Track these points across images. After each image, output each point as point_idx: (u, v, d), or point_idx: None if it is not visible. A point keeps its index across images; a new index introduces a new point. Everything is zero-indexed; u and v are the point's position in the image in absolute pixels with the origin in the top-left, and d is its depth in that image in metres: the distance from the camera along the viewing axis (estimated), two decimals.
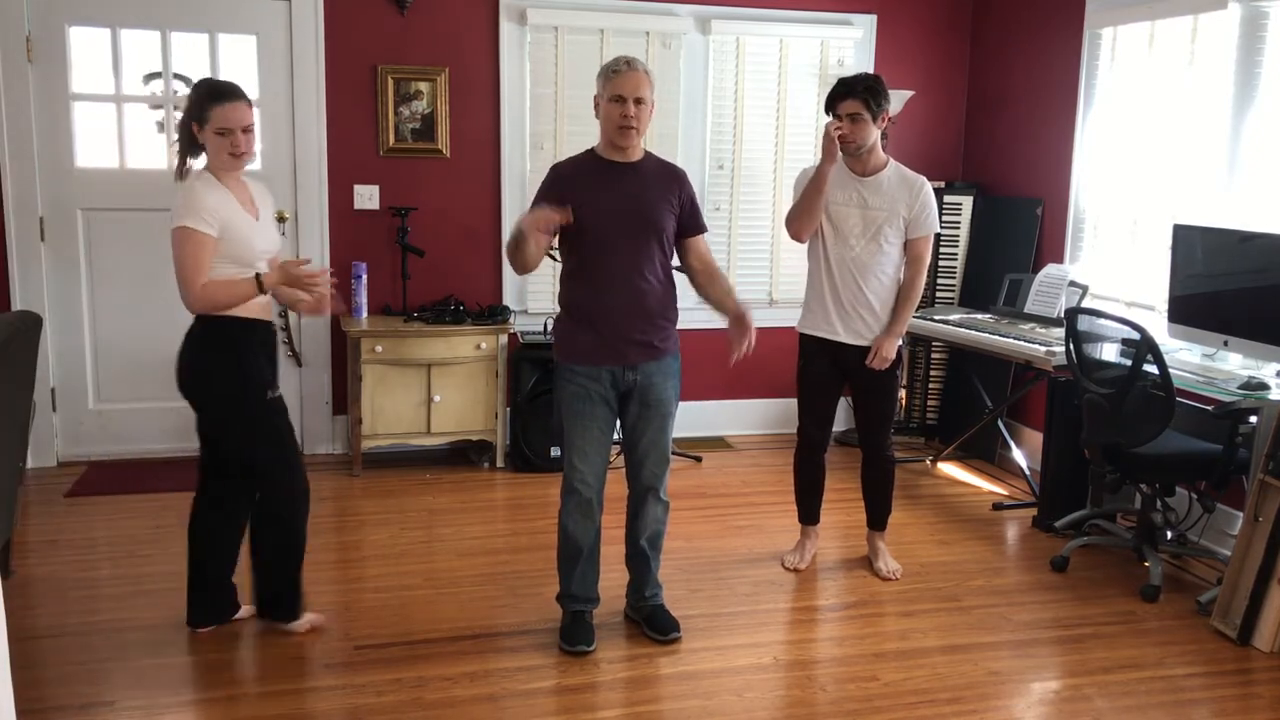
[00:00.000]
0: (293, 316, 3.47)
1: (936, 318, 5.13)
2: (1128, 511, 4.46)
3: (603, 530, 3.39)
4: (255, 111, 3.27)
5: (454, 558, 4.11)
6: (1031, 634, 3.55)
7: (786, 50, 5.61)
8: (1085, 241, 5.10)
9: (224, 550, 3.40)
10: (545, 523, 4.23)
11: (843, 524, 4.49)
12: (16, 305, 4.86)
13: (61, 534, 4.25)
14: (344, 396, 5.30)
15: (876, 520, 4.07)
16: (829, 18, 5.64)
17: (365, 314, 5.18)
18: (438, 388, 5.08)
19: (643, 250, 3.22)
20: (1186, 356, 4.17)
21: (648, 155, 3.31)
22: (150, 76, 5.03)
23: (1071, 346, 4.03)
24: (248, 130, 3.13)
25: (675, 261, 3.37)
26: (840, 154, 3.74)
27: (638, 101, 3.14)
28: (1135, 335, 3.70)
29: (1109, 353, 3.99)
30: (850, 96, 3.63)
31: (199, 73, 5.04)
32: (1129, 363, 3.75)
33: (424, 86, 5.22)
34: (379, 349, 4.97)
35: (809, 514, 4.10)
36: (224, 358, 3.18)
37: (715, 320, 5.63)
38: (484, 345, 5.10)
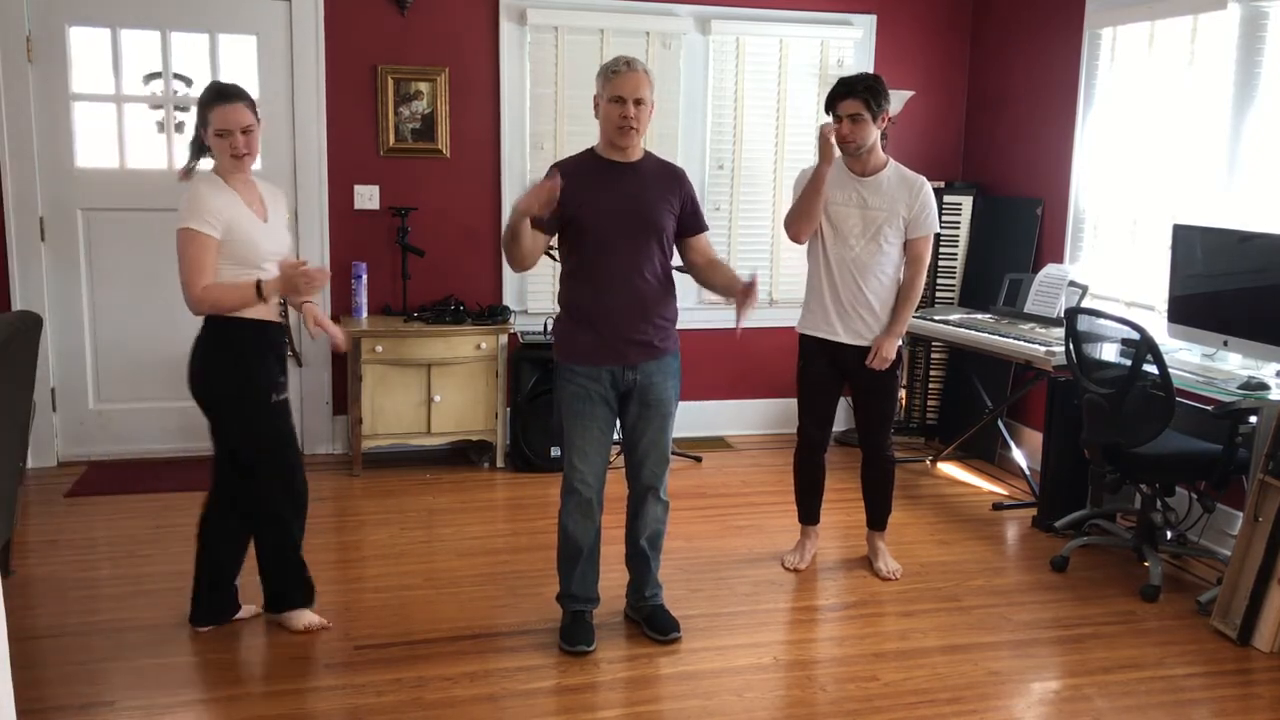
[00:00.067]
0: (293, 315, 3.47)
1: (936, 318, 5.13)
2: (1128, 511, 4.46)
3: (603, 530, 3.39)
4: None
5: (454, 558, 4.11)
6: (1031, 634, 3.55)
7: (786, 50, 5.61)
8: (1085, 241, 5.10)
9: (234, 553, 3.42)
10: (545, 523, 4.23)
11: (843, 524, 4.49)
12: (16, 305, 4.86)
13: (61, 534, 4.25)
14: (344, 396, 5.30)
15: (876, 520, 4.07)
16: (829, 18, 5.64)
17: (365, 314, 5.18)
18: (438, 388, 5.08)
19: (642, 250, 3.22)
20: (1186, 356, 4.17)
21: (647, 155, 3.31)
22: (150, 76, 5.03)
23: (1071, 346, 4.03)
24: (247, 131, 3.14)
25: (676, 261, 3.37)
26: (840, 154, 3.75)
27: (637, 102, 3.14)
28: (1135, 335, 3.70)
29: (1109, 353, 3.99)
30: (850, 96, 3.63)
31: (199, 73, 5.05)
32: (1129, 363, 3.75)
33: (424, 86, 5.22)
34: (379, 349, 4.97)
35: (809, 514, 4.11)
36: (229, 358, 3.19)
37: (715, 320, 5.72)
38: (484, 345, 5.10)
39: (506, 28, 5.27)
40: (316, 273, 3.17)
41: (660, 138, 5.36)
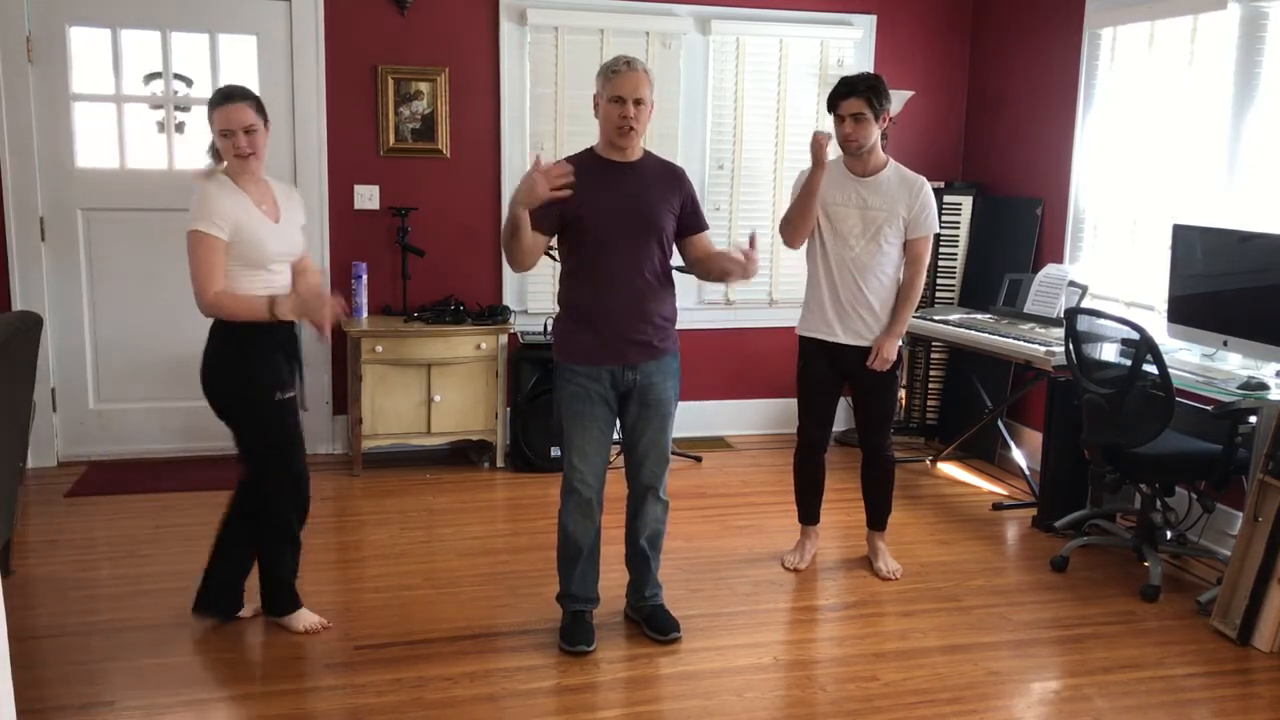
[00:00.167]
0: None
1: (936, 318, 5.13)
2: (1127, 511, 4.46)
3: (603, 530, 3.39)
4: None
5: (454, 558, 4.11)
6: (1031, 634, 3.55)
7: (786, 50, 5.61)
8: (1085, 241, 5.10)
9: (250, 556, 3.44)
10: (545, 523, 4.23)
11: (843, 524, 4.49)
12: (16, 305, 4.87)
13: (61, 534, 4.25)
14: (344, 396, 5.30)
15: (876, 520, 4.07)
16: (829, 18, 5.64)
17: (365, 314, 5.18)
18: (438, 388, 5.08)
19: (642, 250, 3.22)
20: (1186, 356, 4.17)
21: (647, 154, 3.31)
22: (150, 76, 5.03)
23: (1071, 346, 4.03)
24: (250, 131, 3.16)
25: (676, 261, 3.37)
26: (840, 155, 3.76)
27: (637, 102, 3.14)
28: (1135, 335, 3.70)
29: (1109, 353, 3.99)
30: (853, 95, 3.63)
31: (199, 73, 5.05)
32: (1129, 363, 3.75)
33: (424, 86, 5.22)
34: (379, 349, 4.97)
35: (809, 514, 4.11)
36: (235, 357, 3.21)
37: (715, 320, 5.72)
38: (484, 345, 5.10)
39: (506, 28, 5.27)
40: (336, 308, 3.19)
41: (660, 138, 5.36)
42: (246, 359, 3.20)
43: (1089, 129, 5.03)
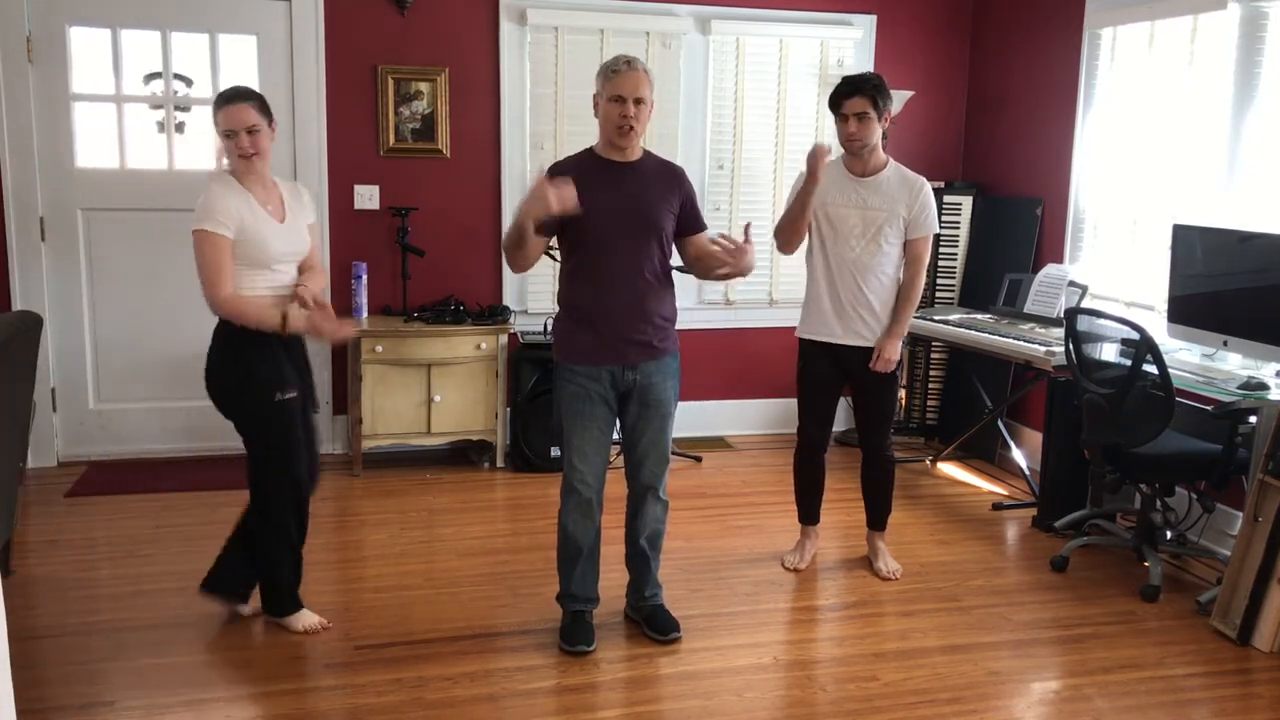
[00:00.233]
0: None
1: (936, 318, 5.13)
2: (1127, 511, 4.46)
3: (603, 530, 3.39)
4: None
5: (454, 558, 4.11)
6: (1031, 634, 3.55)
7: (786, 50, 5.61)
8: (1085, 241, 5.10)
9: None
10: (545, 523, 4.23)
11: (843, 524, 4.49)
12: (16, 305, 4.87)
13: (61, 534, 4.25)
14: (344, 396, 5.30)
15: (876, 520, 4.07)
16: (829, 18, 5.64)
17: (365, 314, 5.18)
18: (438, 388, 5.08)
19: (642, 250, 3.22)
20: (1186, 356, 4.17)
21: (647, 154, 3.31)
22: (150, 76, 5.03)
23: (1071, 346, 4.03)
24: (253, 131, 3.18)
25: (675, 261, 3.37)
26: (842, 155, 3.77)
27: (637, 101, 3.13)
28: (1135, 335, 3.70)
29: (1109, 353, 3.99)
30: (858, 94, 3.63)
31: (199, 73, 5.05)
32: (1129, 363, 3.75)
33: (424, 86, 5.22)
34: (379, 349, 4.97)
35: (809, 514, 4.11)
36: (236, 356, 3.22)
37: (715, 320, 5.72)
38: (484, 345, 5.10)
39: (506, 28, 5.27)
40: (347, 330, 3.23)
41: (660, 138, 5.36)
42: (248, 358, 3.21)
43: (1089, 129, 5.03)
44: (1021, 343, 4.58)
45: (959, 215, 5.73)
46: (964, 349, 5.12)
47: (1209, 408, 3.81)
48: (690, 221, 3.34)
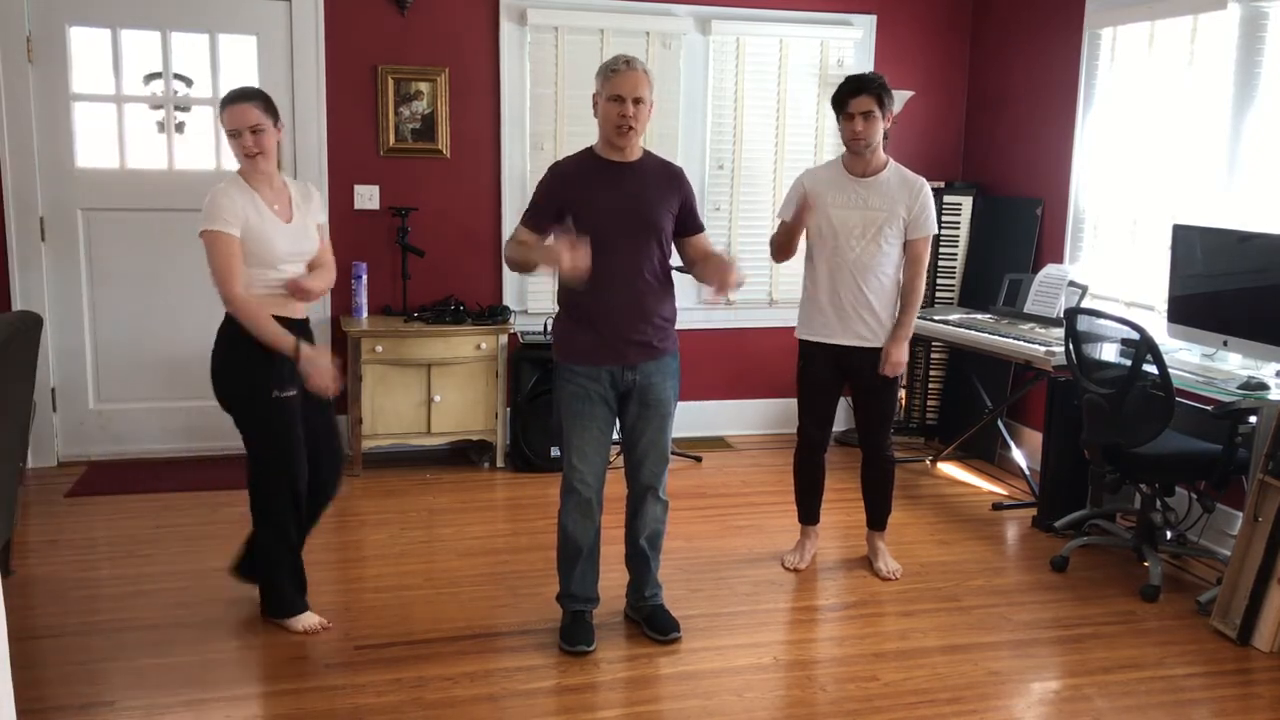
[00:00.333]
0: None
1: (936, 318, 5.13)
2: (1127, 511, 4.46)
3: (603, 530, 3.39)
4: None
5: (454, 558, 4.11)
6: (1031, 634, 3.55)
7: (786, 50, 5.61)
8: (1085, 241, 5.10)
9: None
10: (545, 523, 4.22)
11: (843, 524, 4.49)
12: (16, 305, 4.86)
13: (61, 534, 4.25)
14: (344, 396, 5.28)
15: (876, 520, 4.07)
16: (829, 18, 5.64)
17: (365, 314, 5.18)
18: (438, 388, 5.08)
19: (642, 250, 3.22)
20: (1186, 356, 4.17)
21: (646, 154, 3.31)
22: (150, 76, 5.03)
23: (1071, 346, 4.03)
24: (256, 130, 3.19)
25: (675, 261, 3.37)
26: (842, 155, 3.79)
27: (636, 101, 3.13)
28: (1135, 335, 3.70)
29: (1109, 353, 3.99)
30: (864, 93, 3.65)
31: (199, 73, 5.05)
32: (1129, 363, 3.75)
33: (424, 86, 5.22)
34: (379, 349, 4.97)
35: (809, 514, 4.11)
36: (237, 355, 3.23)
37: (715, 320, 5.72)
38: (484, 345, 5.10)
39: (506, 28, 5.27)
40: (331, 387, 3.23)
41: (660, 138, 5.36)
42: (249, 357, 3.22)
43: (1089, 129, 5.03)
44: (1021, 343, 4.58)
45: (959, 215, 5.73)
46: (964, 349, 5.12)
47: (1209, 408, 3.81)
48: (688, 222, 3.34)
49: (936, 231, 3.87)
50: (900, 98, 5.46)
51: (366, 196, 5.24)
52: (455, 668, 3.22)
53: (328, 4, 5.06)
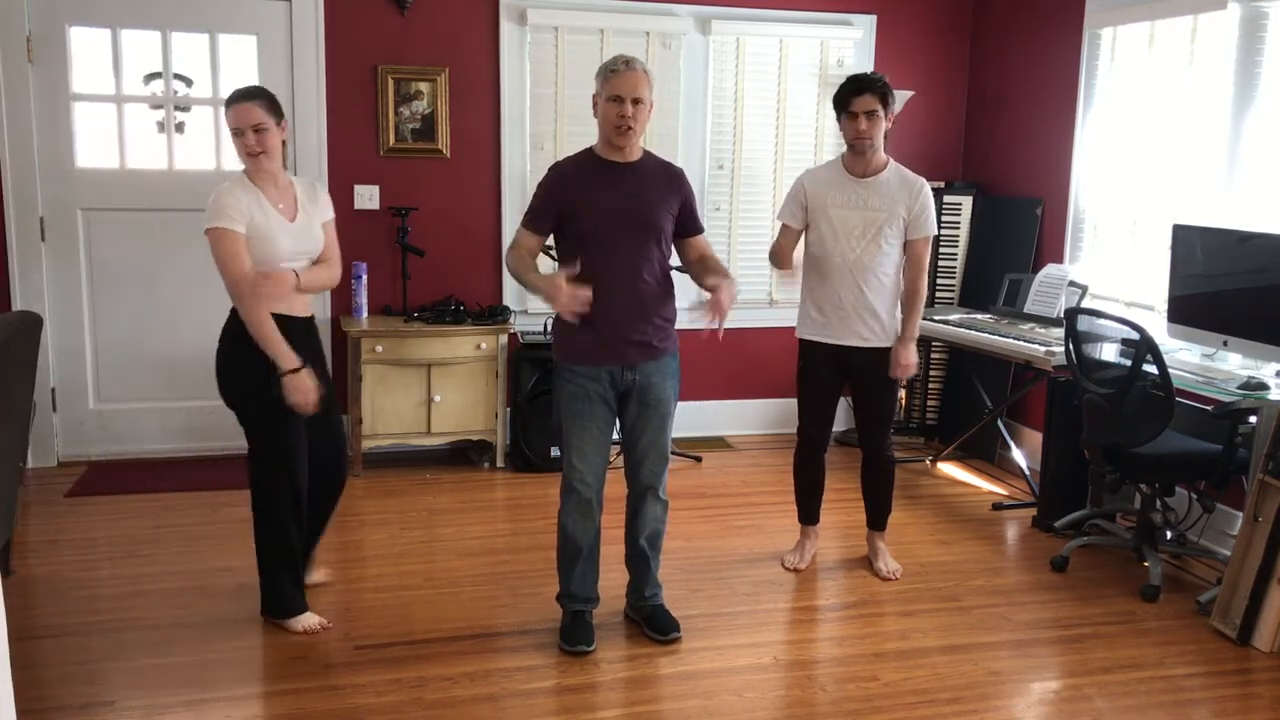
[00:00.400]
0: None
1: (936, 318, 5.13)
2: (1127, 511, 4.46)
3: (603, 530, 3.39)
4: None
5: (454, 558, 4.11)
6: (1031, 634, 3.55)
7: (786, 50, 5.61)
8: (1085, 241, 5.10)
9: (317, 523, 3.59)
10: (545, 523, 4.22)
11: (843, 524, 4.49)
12: (16, 305, 4.86)
13: (61, 534, 4.25)
14: (344, 396, 5.29)
15: (876, 520, 4.07)
16: (829, 18, 5.64)
17: (365, 314, 5.18)
18: (438, 388, 5.08)
19: (642, 250, 3.22)
20: (1186, 356, 4.17)
21: (646, 154, 3.31)
22: (150, 76, 5.03)
23: (1071, 346, 4.03)
24: (258, 130, 3.21)
25: (674, 261, 3.37)
26: (842, 155, 3.82)
27: (636, 101, 3.13)
28: (1135, 335, 3.70)
29: (1109, 353, 3.99)
30: (868, 92, 3.65)
31: (199, 73, 5.05)
32: (1129, 363, 3.75)
33: (424, 86, 5.22)
34: (379, 349, 4.97)
35: (809, 514, 4.11)
36: (239, 352, 3.24)
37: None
38: (484, 345, 5.10)
39: (506, 28, 5.27)
40: (305, 405, 3.23)
41: (660, 138, 5.36)
42: (253, 355, 3.22)
43: (1089, 129, 5.03)
44: (1021, 343, 4.58)
45: (959, 215, 5.73)
46: (964, 349, 5.12)
47: (1209, 408, 3.81)
48: (687, 224, 3.34)
49: (937, 232, 3.87)
50: (900, 98, 5.45)
51: (366, 196, 5.24)
52: (455, 668, 3.22)
53: (328, 4, 5.06)
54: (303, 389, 3.21)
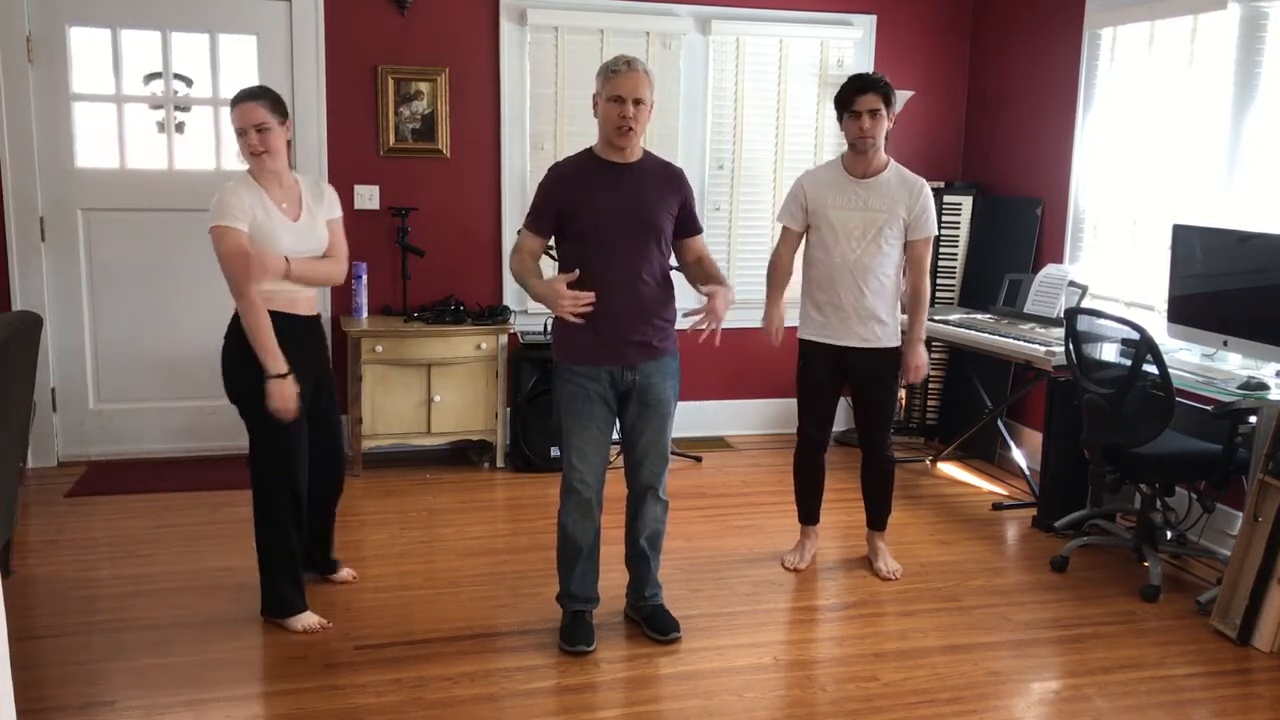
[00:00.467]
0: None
1: (936, 318, 5.13)
2: (1127, 511, 4.46)
3: (603, 530, 3.39)
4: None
5: (454, 558, 4.11)
6: (1031, 634, 3.55)
7: (786, 50, 5.61)
8: (1085, 241, 5.10)
9: (324, 518, 3.64)
10: (545, 523, 4.23)
11: (843, 524, 4.49)
12: (16, 305, 4.86)
13: (61, 534, 4.25)
14: (344, 396, 5.29)
15: (876, 520, 4.07)
16: (829, 18, 5.64)
17: (365, 314, 5.18)
18: (438, 388, 5.08)
19: (641, 250, 3.22)
20: (1186, 356, 4.17)
21: (646, 155, 3.31)
22: (150, 76, 5.03)
23: (1071, 346, 4.03)
24: (261, 129, 3.22)
25: (673, 262, 3.37)
26: (842, 156, 3.81)
27: (636, 102, 3.13)
28: (1135, 335, 3.70)
29: (1109, 353, 3.99)
30: (871, 91, 3.66)
31: (199, 73, 5.05)
32: (1129, 363, 3.76)
33: (424, 86, 5.22)
34: (379, 349, 4.97)
35: (809, 514, 4.11)
36: (244, 351, 3.25)
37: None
38: (484, 345, 5.10)
39: (506, 28, 5.27)
40: (283, 410, 3.23)
41: (660, 138, 5.36)
42: (248, 353, 3.22)
43: (1089, 129, 5.03)
44: (1021, 343, 4.58)
45: (959, 215, 5.73)
46: (964, 349, 5.12)
47: (1209, 408, 3.81)
48: (687, 224, 3.34)
49: (937, 233, 3.87)
50: (900, 98, 5.45)
51: (366, 196, 5.24)
52: (455, 668, 3.22)
53: (328, 4, 5.06)
54: (283, 395, 3.21)
